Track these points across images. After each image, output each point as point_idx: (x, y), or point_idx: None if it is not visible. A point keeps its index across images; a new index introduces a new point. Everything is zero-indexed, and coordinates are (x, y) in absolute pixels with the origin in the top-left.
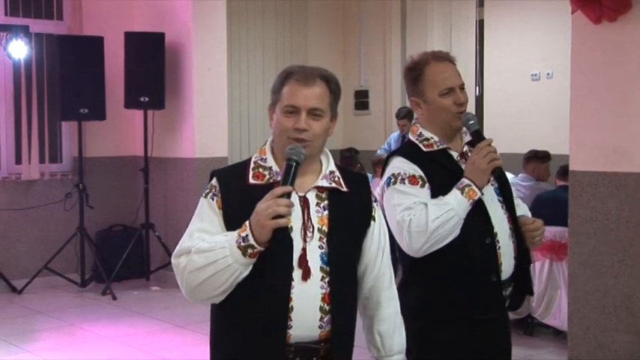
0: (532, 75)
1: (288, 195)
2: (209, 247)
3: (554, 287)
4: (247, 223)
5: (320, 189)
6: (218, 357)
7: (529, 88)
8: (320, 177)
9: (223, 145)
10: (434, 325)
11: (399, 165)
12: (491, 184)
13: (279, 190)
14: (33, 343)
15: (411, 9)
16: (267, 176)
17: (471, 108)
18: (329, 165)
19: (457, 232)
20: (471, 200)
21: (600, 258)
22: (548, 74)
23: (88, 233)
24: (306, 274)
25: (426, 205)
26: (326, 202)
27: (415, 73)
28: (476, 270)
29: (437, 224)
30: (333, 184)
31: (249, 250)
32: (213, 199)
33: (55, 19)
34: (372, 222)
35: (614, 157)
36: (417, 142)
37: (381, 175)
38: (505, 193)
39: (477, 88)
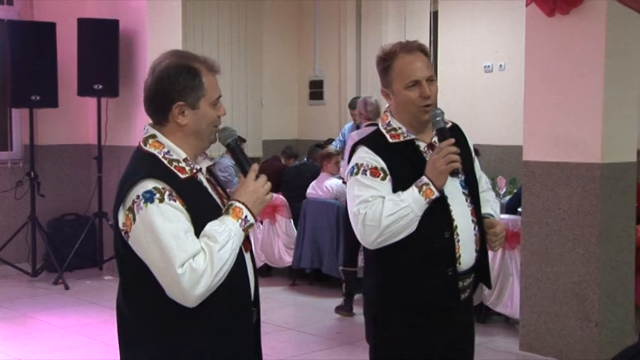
0: (485, 67)
1: None
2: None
3: (506, 275)
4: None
5: (207, 169)
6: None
7: (482, 80)
8: (203, 158)
9: None
10: (386, 311)
11: (363, 155)
12: (458, 177)
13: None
14: None
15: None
16: (187, 167)
17: None
18: None
19: (413, 227)
20: (427, 199)
21: (552, 246)
22: (500, 66)
23: (39, 222)
24: (246, 246)
25: (383, 199)
26: (212, 178)
27: (384, 64)
28: (432, 263)
29: (390, 220)
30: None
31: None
32: (175, 201)
33: (4, 4)
34: None
35: (565, 147)
36: (384, 131)
37: (348, 162)
38: (471, 185)
39: None
